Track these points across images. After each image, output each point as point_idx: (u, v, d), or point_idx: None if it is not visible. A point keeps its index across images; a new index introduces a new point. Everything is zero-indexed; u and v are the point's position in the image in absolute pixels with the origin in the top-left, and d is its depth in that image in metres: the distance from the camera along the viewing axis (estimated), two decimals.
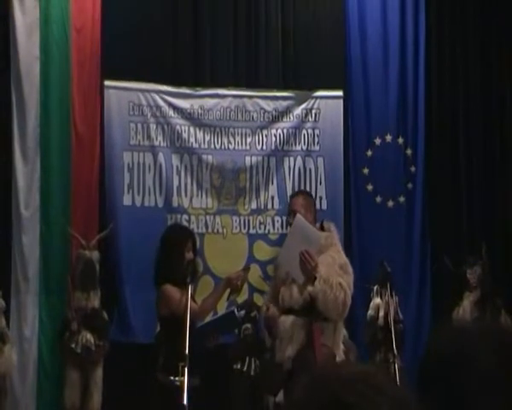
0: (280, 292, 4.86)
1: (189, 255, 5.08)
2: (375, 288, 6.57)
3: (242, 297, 6.81)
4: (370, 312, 6.58)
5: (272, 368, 4.86)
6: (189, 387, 4.49)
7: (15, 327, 6.37)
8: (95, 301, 6.34)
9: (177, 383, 4.64)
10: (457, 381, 1.39)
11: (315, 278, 4.66)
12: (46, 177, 6.65)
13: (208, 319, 5.12)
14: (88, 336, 6.22)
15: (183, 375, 4.52)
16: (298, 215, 4.78)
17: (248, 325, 6.50)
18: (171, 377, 4.76)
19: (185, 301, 4.91)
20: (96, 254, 6.46)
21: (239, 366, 6.42)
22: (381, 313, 6.45)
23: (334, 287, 4.64)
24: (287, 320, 4.77)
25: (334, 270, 4.74)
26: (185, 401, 4.39)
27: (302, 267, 4.69)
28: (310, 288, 4.65)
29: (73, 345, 6.18)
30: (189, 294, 4.78)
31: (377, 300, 6.55)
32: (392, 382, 1.18)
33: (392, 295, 6.17)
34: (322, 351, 4.62)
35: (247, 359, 6.44)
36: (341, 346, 4.89)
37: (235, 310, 5.10)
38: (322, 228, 5.02)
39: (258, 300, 6.77)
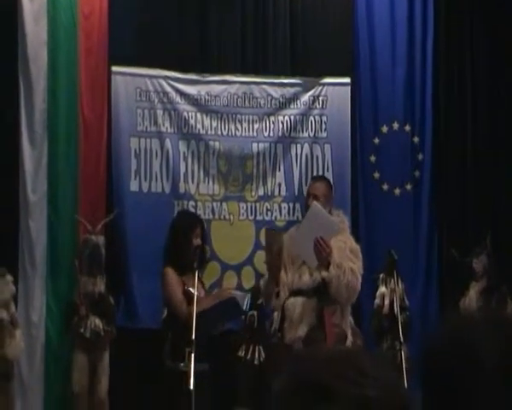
0: (287, 274, 4.92)
1: (197, 241, 5.17)
2: (381, 276, 6.60)
3: (249, 284, 6.94)
4: (376, 300, 6.61)
5: (280, 350, 4.95)
6: (196, 372, 4.58)
7: (23, 312, 6.42)
8: (101, 287, 6.40)
9: (184, 369, 4.74)
10: (459, 373, 1.38)
11: (329, 264, 4.76)
12: (53, 162, 6.68)
13: (208, 305, 5.13)
14: (97, 322, 6.27)
15: (189, 360, 4.62)
16: (314, 202, 4.88)
17: (254, 313, 6.52)
18: (178, 363, 4.85)
19: (185, 286, 5.03)
20: (102, 239, 6.52)
21: (243, 354, 6.46)
22: (387, 302, 6.48)
23: (346, 272, 4.77)
24: (296, 302, 4.86)
25: (346, 254, 4.85)
26: (192, 387, 4.50)
27: (317, 253, 4.78)
28: (324, 273, 4.76)
29: (82, 330, 6.23)
30: (196, 279, 4.91)
31: (383, 288, 6.58)
32: (381, 365, 1.14)
33: (398, 284, 6.21)
34: (334, 332, 4.75)
35: (251, 347, 6.47)
36: (349, 329, 4.97)
37: (244, 298, 5.14)
38: (329, 213, 5.10)
39: None
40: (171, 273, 5.08)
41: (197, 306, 4.79)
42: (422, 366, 1.46)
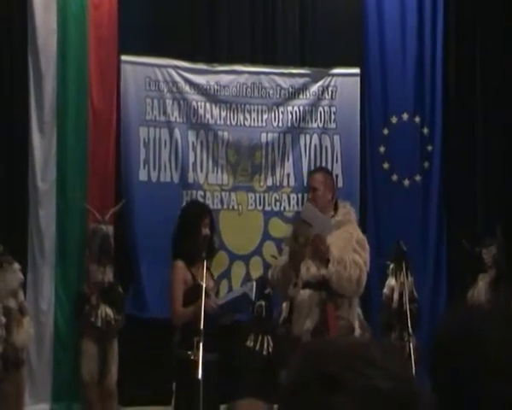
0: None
1: (206, 231, 5.21)
2: (391, 267, 6.61)
3: (257, 274, 6.97)
4: (385, 291, 6.63)
5: (288, 342, 4.97)
6: (205, 362, 4.63)
7: (32, 300, 6.46)
8: (110, 276, 6.43)
9: (193, 358, 4.77)
10: (467, 365, 1.39)
11: (328, 261, 4.78)
12: (63, 151, 6.70)
13: (222, 300, 5.22)
14: (107, 311, 6.31)
15: (198, 350, 4.66)
16: (306, 204, 4.92)
17: (262, 303, 6.54)
18: (188, 352, 4.88)
19: (194, 280, 5.09)
20: (111, 229, 6.54)
21: (251, 344, 6.49)
22: (396, 295, 6.49)
23: (348, 266, 4.77)
24: (304, 294, 4.88)
25: (351, 245, 4.86)
26: (200, 376, 4.54)
27: (314, 251, 4.82)
28: (323, 270, 4.79)
29: (93, 319, 6.27)
30: (205, 268, 4.96)
31: (392, 281, 6.59)
32: (391, 355, 1.12)
33: (407, 275, 6.23)
34: (338, 325, 4.76)
35: (260, 337, 6.50)
36: (357, 321, 5.00)
37: (252, 289, 5.19)
38: (336, 206, 5.13)
39: None
40: (179, 268, 5.13)
41: (184, 311, 4.94)
42: (431, 358, 1.47)
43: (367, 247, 4.98)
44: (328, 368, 1.08)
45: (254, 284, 5.34)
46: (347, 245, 4.87)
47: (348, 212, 5.12)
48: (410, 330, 5.93)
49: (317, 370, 1.09)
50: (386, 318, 6.59)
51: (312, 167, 7.06)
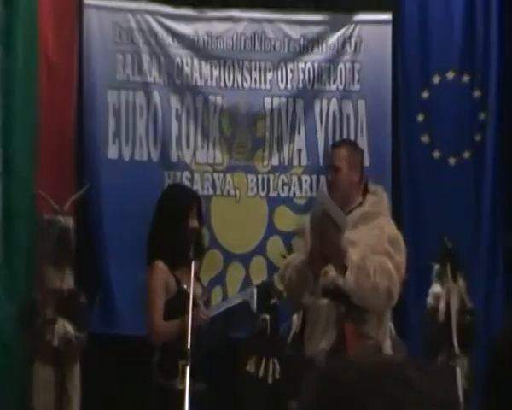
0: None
1: (193, 223, 5.25)
2: (435, 270, 6.61)
3: (260, 279, 6.96)
4: (429, 300, 6.63)
5: (300, 365, 5.02)
6: (192, 392, 4.64)
7: None
8: (70, 282, 6.43)
9: (178, 387, 4.81)
10: None
11: (345, 268, 4.79)
12: (7, 119, 6.63)
13: (216, 310, 5.26)
14: (67, 326, 6.30)
15: (184, 376, 4.67)
16: (320, 192, 4.90)
17: (266, 316, 6.57)
18: (170, 379, 4.92)
19: (179, 285, 5.15)
20: (71, 221, 6.54)
21: (253, 369, 6.51)
22: (442, 304, 6.50)
23: (371, 274, 4.79)
24: (320, 305, 4.90)
25: (382, 246, 4.87)
26: None
27: (329, 254, 4.84)
28: (340, 281, 4.80)
29: (48, 336, 6.25)
30: (192, 271, 4.98)
31: (437, 287, 6.61)
32: (431, 379, 1.15)
33: (455, 279, 6.21)
34: (365, 345, 4.77)
35: (264, 360, 6.52)
36: (388, 340, 5.02)
37: (252, 297, 5.18)
38: (366, 191, 5.13)
39: (280, 283, 6.83)
40: (159, 271, 5.18)
41: (166, 325, 5.03)
42: (486, 374, 1.58)
43: (402, 246, 4.99)
44: (355, 393, 1.12)
45: (255, 290, 5.37)
46: (377, 245, 4.88)
47: (379, 200, 5.14)
48: (457, 348, 5.93)
49: (342, 395, 1.12)
50: (430, 335, 6.59)
51: (330, 141, 7.07)
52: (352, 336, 4.79)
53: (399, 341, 6.11)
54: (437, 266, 6.61)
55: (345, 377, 1.15)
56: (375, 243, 4.90)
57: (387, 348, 5.01)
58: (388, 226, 5.03)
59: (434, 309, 6.59)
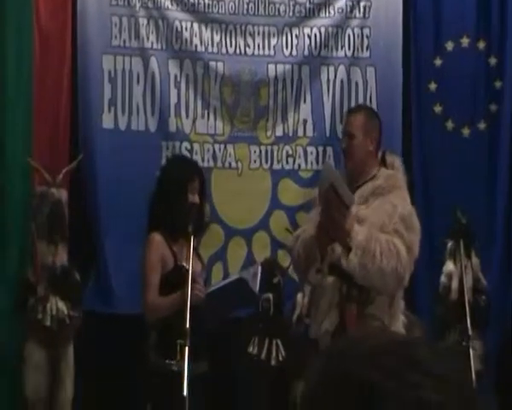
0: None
1: (194, 198, 5.26)
2: (448, 247, 6.57)
3: (263, 255, 6.94)
4: (443, 279, 6.60)
5: (307, 345, 4.97)
6: (192, 374, 4.66)
7: None
8: (64, 258, 6.43)
9: (175, 368, 4.84)
10: None
11: (349, 249, 4.73)
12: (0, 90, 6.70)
13: (211, 288, 5.27)
14: (59, 305, 6.28)
15: (182, 357, 4.67)
16: (326, 164, 4.84)
17: (269, 296, 6.52)
18: (168, 360, 4.94)
19: (176, 261, 5.20)
20: (64, 194, 6.54)
21: (255, 351, 6.48)
22: (455, 282, 6.48)
23: (377, 256, 4.72)
24: (325, 284, 4.85)
25: (392, 223, 4.81)
26: (185, 393, 4.53)
27: (332, 233, 4.76)
28: (343, 261, 4.74)
29: (40, 316, 6.24)
30: (192, 247, 5.00)
31: (450, 265, 6.57)
32: (445, 360, 1.16)
33: (469, 256, 6.12)
34: (370, 325, 4.69)
35: (267, 341, 6.48)
36: (401, 320, 4.98)
37: (256, 276, 5.12)
38: (382, 162, 5.09)
39: (284, 259, 6.81)
40: (155, 243, 5.17)
41: (163, 300, 5.02)
42: (498, 363, 1.48)
43: (416, 225, 4.93)
44: (364, 374, 1.11)
45: (259, 268, 5.32)
46: (387, 223, 4.82)
47: (394, 174, 5.08)
48: (470, 330, 5.91)
49: (350, 376, 1.11)
50: (442, 314, 6.59)
51: (338, 111, 7.11)
52: (352, 317, 4.74)
53: (414, 318, 6.07)
54: (450, 243, 6.60)
55: (354, 356, 1.14)
56: (385, 220, 4.83)
57: (399, 328, 4.93)
58: (401, 203, 4.94)
59: (447, 288, 6.58)
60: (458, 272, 6.49)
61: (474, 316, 6.15)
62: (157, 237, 5.15)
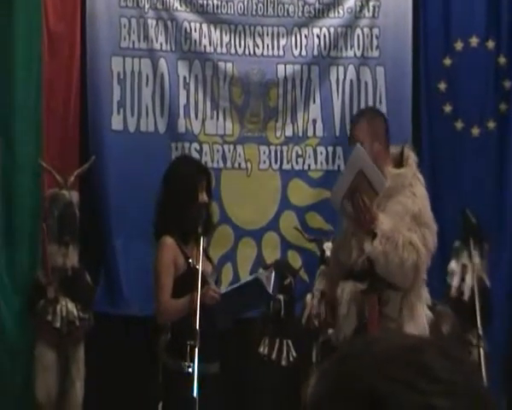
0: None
1: (203, 198, 5.27)
2: (455, 246, 6.60)
3: (273, 256, 6.95)
4: (448, 279, 6.62)
5: (315, 347, 5.01)
6: (203, 375, 4.71)
7: None
8: (74, 259, 6.45)
9: (186, 370, 4.79)
10: None
11: (374, 235, 4.76)
12: (9, 90, 6.70)
13: (228, 288, 5.31)
14: (69, 306, 6.31)
15: (193, 358, 4.70)
16: (358, 145, 4.87)
17: (280, 297, 6.55)
18: (179, 361, 4.90)
19: (189, 263, 5.18)
20: (75, 196, 6.57)
21: (266, 351, 6.51)
22: (455, 281, 6.49)
23: (400, 247, 4.77)
24: (345, 288, 4.90)
25: (405, 221, 4.86)
26: (195, 394, 4.57)
27: (356, 218, 4.80)
28: (367, 247, 4.77)
29: (50, 317, 6.26)
30: (201, 248, 5.02)
31: (453, 263, 6.60)
32: (457, 364, 1.13)
33: (482, 255, 6.15)
34: (386, 327, 4.77)
35: (278, 341, 6.51)
36: (423, 317, 4.98)
37: (270, 278, 5.17)
38: (402, 155, 5.14)
39: (295, 260, 6.87)
40: (167, 247, 5.18)
41: (174, 304, 5.02)
42: (504, 367, 1.52)
43: (429, 220, 4.97)
44: (372, 380, 1.10)
45: (273, 273, 5.37)
46: (400, 221, 4.86)
47: (400, 173, 5.08)
48: (480, 331, 5.92)
49: (358, 382, 1.11)
50: None
51: (347, 110, 7.11)
52: (375, 314, 4.81)
53: (444, 311, 6.19)
54: (457, 243, 6.61)
55: (363, 360, 1.14)
56: (396, 221, 4.88)
57: (413, 330, 4.93)
58: (413, 201, 4.98)
59: (454, 288, 6.58)
60: (466, 271, 6.48)
61: (473, 316, 6.09)
62: (169, 240, 5.16)
